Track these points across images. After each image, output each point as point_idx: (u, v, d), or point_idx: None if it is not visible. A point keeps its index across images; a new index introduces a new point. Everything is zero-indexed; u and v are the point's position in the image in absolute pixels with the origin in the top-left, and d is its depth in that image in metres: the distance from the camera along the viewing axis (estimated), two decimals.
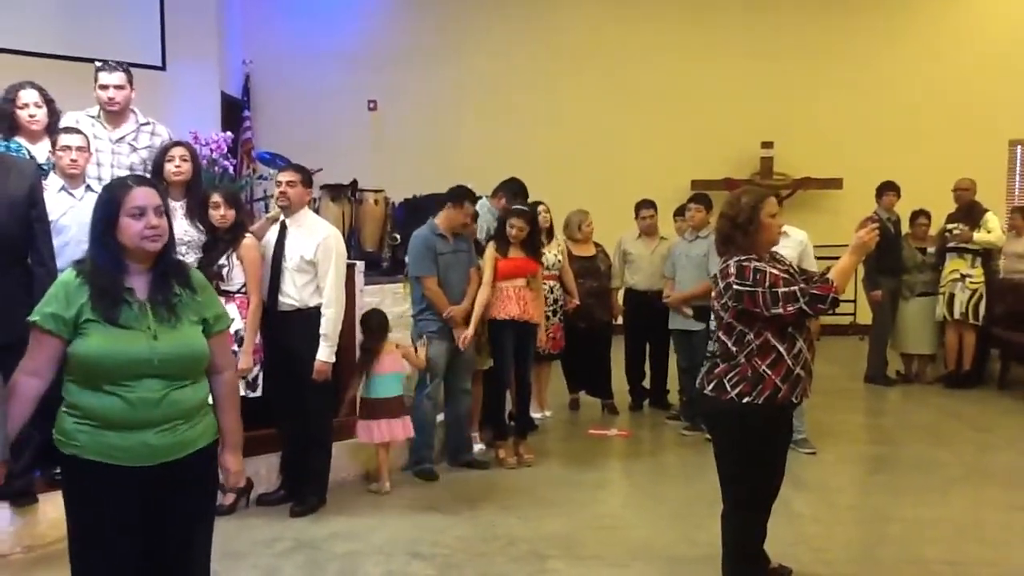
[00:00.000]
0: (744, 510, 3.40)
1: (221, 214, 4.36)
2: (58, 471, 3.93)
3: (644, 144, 10.88)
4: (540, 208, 6.26)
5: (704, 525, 4.06)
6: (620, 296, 7.09)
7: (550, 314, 6.18)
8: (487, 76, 11.03)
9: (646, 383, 7.08)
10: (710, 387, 3.35)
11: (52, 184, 4.18)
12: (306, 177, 4.64)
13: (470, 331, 5.19)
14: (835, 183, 10.79)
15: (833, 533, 4.42)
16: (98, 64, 4.68)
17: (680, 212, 6.75)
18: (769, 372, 3.22)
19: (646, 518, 4.62)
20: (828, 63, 11.01)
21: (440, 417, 5.46)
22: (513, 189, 6.12)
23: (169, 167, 4.38)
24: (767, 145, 10.95)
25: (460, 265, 5.29)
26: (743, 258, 3.25)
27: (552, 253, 6.27)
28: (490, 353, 5.49)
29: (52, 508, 3.92)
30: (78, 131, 4.29)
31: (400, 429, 4.95)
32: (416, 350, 5.20)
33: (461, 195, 5.30)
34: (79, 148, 4.19)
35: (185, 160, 4.39)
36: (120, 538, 2.39)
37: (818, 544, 4.20)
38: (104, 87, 4.61)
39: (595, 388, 6.99)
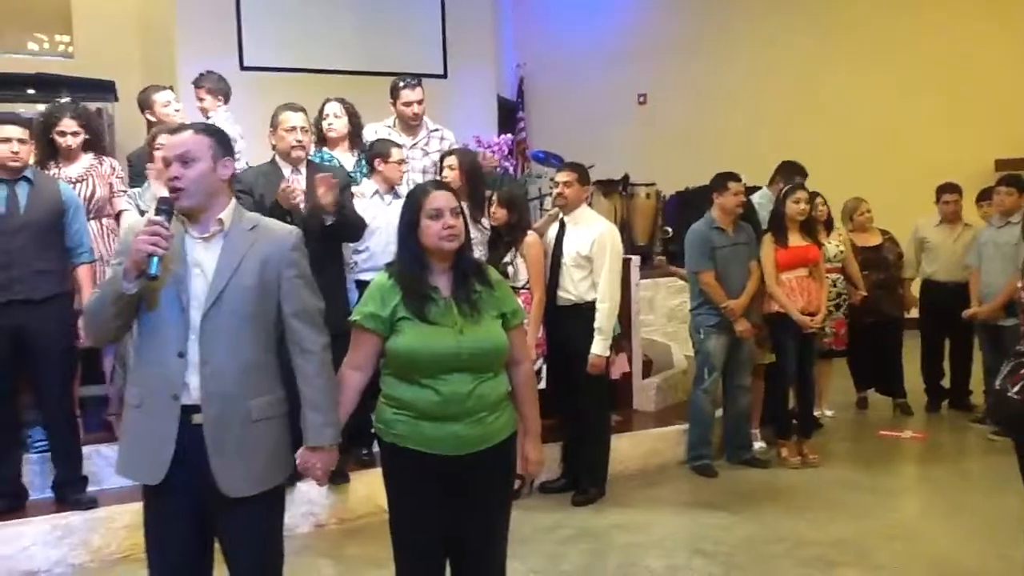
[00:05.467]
0: None
1: (493, 211, 4.58)
2: (365, 452, 4.35)
3: (936, 124, 9.92)
4: (817, 201, 5.96)
5: (1018, 540, 3.68)
6: (915, 287, 6.58)
7: (833, 308, 5.86)
8: (758, 63, 10.62)
9: (945, 382, 6.52)
10: (1015, 390, 2.98)
11: (367, 189, 4.58)
12: (583, 175, 4.75)
13: (817, 319, 5.18)
14: None
15: None
16: (399, 82, 5.05)
17: (985, 196, 6.14)
18: None
19: (947, 530, 4.26)
20: None
21: (719, 413, 5.36)
22: (791, 170, 5.85)
23: (442, 176, 4.65)
24: None
25: (739, 258, 5.15)
26: None
27: (833, 244, 5.94)
28: (771, 349, 5.31)
29: (362, 486, 4.34)
30: (400, 146, 4.67)
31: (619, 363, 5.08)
32: (695, 343, 5.21)
33: (721, 181, 5.17)
34: (401, 161, 4.59)
35: (452, 168, 4.62)
36: (433, 520, 2.55)
37: None
38: (408, 103, 5.00)
39: (885, 386, 6.54)
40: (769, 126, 10.22)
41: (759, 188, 5.98)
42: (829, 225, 6.11)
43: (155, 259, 2.21)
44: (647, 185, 8.84)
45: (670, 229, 8.41)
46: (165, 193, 2.40)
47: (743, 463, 5.25)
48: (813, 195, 5.91)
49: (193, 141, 2.34)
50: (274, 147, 4.33)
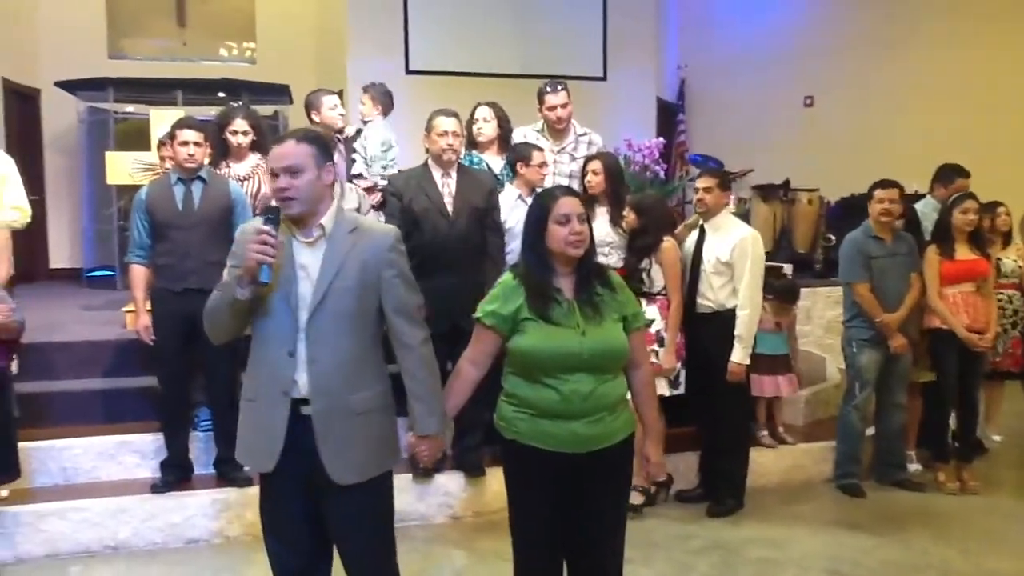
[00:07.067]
0: None
1: (625, 215, 4.57)
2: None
3: None
4: (1000, 210, 5.58)
5: None
6: None
7: (1008, 327, 5.47)
8: (934, 62, 9.88)
9: None
10: None
11: (509, 193, 4.68)
12: (723, 181, 4.68)
13: (987, 339, 4.92)
14: None
15: None
16: (545, 86, 5.11)
17: None
18: None
19: None
20: None
21: (870, 431, 5.12)
22: (950, 172, 5.49)
23: (586, 180, 4.67)
24: None
25: (897, 269, 4.89)
26: None
27: (1011, 258, 5.54)
28: (930, 366, 5.02)
29: (496, 481, 4.39)
30: (540, 149, 4.76)
31: (785, 385, 5.16)
32: (846, 357, 5.02)
33: (872, 188, 4.94)
34: (543, 164, 4.67)
35: (596, 173, 4.62)
36: (551, 515, 2.62)
37: None
38: (551, 108, 5.06)
39: None
40: (944, 130, 9.54)
41: (924, 196, 5.66)
42: (1007, 238, 5.72)
43: (265, 267, 2.36)
44: (810, 191, 8.55)
45: (832, 237, 8.09)
46: None
47: (894, 484, 4.99)
48: (994, 204, 5.55)
49: (298, 152, 2.42)
50: (427, 150, 4.51)
